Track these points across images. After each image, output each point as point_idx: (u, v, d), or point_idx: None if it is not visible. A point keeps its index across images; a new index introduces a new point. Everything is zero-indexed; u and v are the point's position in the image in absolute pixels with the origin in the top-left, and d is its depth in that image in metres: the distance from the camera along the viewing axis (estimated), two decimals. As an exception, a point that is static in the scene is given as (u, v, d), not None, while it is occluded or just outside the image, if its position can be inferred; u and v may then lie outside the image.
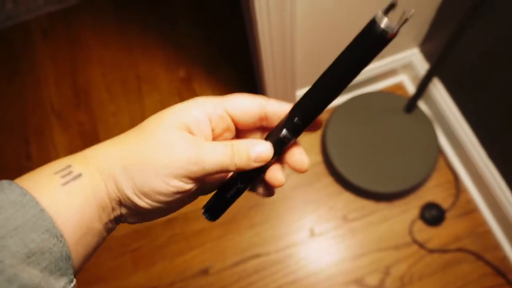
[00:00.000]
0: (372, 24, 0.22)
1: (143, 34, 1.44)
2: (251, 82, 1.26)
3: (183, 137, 0.26)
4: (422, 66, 1.13)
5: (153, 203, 0.26)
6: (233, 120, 0.29)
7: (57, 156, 1.26)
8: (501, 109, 0.90)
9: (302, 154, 0.29)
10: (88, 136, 1.28)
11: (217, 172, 0.26)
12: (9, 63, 1.44)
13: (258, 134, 0.31)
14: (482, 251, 1.02)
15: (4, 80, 1.41)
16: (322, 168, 1.15)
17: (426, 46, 1.11)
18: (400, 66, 1.18)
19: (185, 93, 1.32)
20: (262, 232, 1.10)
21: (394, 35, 0.22)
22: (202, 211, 0.31)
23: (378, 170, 1.08)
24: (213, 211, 0.31)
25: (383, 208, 1.09)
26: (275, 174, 0.29)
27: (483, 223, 1.05)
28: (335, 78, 0.25)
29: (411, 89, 1.22)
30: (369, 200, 1.10)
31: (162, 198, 0.26)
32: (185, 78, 1.34)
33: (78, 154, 0.27)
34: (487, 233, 1.04)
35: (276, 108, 0.28)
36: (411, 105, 1.09)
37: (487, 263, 1.01)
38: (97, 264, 1.09)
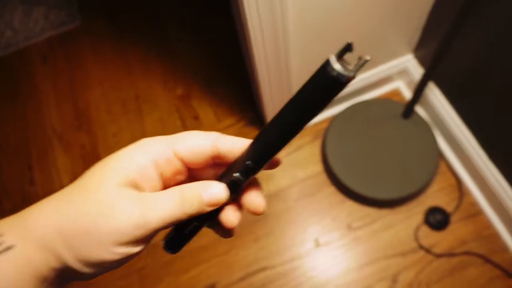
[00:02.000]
0: (325, 69, 0.20)
1: (141, 54, 1.46)
2: (249, 96, 1.27)
3: (126, 195, 0.23)
4: (417, 72, 1.14)
5: (99, 270, 0.24)
6: (183, 162, 0.26)
7: (59, 180, 1.27)
8: (499, 110, 0.91)
9: (258, 196, 0.27)
10: (90, 158, 1.29)
11: (168, 226, 0.25)
12: (10, 88, 1.47)
13: (212, 172, 0.29)
14: (490, 253, 1.01)
15: (6, 106, 1.43)
16: (323, 178, 1.15)
17: (420, 52, 1.12)
18: (396, 73, 1.19)
19: (184, 110, 1.33)
20: (267, 246, 1.10)
21: (348, 81, 0.20)
22: (162, 244, 0.30)
23: (379, 177, 1.08)
24: (173, 245, 0.30)
25: (387, 215, 1.09)
26: (228, 216, 0.27)
27: (488, 225, 1.05)
28: (286, 123, 0.23)
29: (407, 94, 1.23)
30: (372, 207, 1.10)
31: (109, 265, 0.24)
32: (184, 95, 1.36)
33: (15, 217, 0.24)
34: (494, 235, 1.03)
35: (230, 146, 0.26)
36: (408, 110, 1.10)
37: (496, 265, 1.00)
38: (104, 285, 1.08)
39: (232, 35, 1.07)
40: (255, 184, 0.27)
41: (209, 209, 0.26)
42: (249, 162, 0.25)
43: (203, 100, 1.34)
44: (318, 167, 1.17)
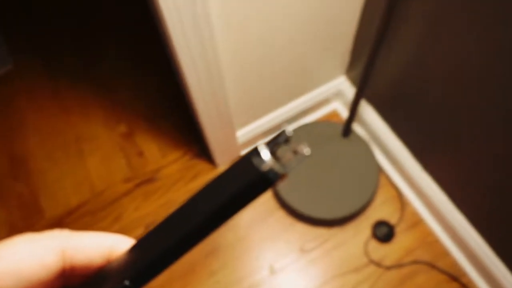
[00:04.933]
0: (251, 161, 0.15)
1: (78, 94, 1.43)
2: (193, 128, 1.27)
3: None
4: (351, 92, 1.20)
5: None
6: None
7: (-3, 234, 1.19)
8: (426, 121, 0.97)
9: None
10: (29, 207, 1.22)
11: None
12: None
13: None
14: (434, 260, 1.06)
15: None
16: (273, 202, 1.17)
17: (352, 73, 1.19)
18: (332, 95, 1.25)
19: (128, 148, 1.30)
20: (223, 278, 1.08)
21: (280, 180, 0.16)
22: None
23: (326, 197, 1.11)
24: None
25: (337, 233, 1.12)
26: None
27: (430, 232, 1.10)
28: (189, 229, 0.17)
29: (345, 114, 1.29)
30: (323, 227, 1.12)
31: None
32: (126, 132, 1.33)
33: None
34: (436, 242, 1.09)
35: (87, 254, 0.18)
36: (346, 130, 1.15)
37: (441, 270, 1.05)
38: None
39: (170, 65, 1.07)
40: None
41: None
42: (128, 282, 0.18)
43: (147, 135, 1.33)
44: (267, 192, 1.18)
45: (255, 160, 0.15)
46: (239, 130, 1.13)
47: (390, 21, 0.78)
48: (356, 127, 1.22)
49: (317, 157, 1.16)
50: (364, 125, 1.20)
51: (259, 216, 1.15)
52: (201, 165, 1.25)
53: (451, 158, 0.94)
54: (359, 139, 1.18)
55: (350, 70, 1.19)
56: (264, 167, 0.15)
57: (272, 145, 0.16)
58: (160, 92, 1.41)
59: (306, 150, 0.16)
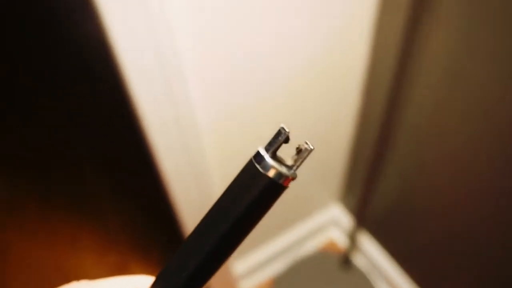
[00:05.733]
0: (253, 167, 0.15)
1: (69, 231, 1.40)
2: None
3: None
4: (347, 220, 1.19)
5: None
6: None
7: None
8: (427, 249, 0.94)
9: None
10: None
11: None
12: None
13: None
14: None
15: None
16: None
17: (347, 200, 1.20)
18: (326, 223, 1.23)
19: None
20: None
21: (286, 182, 0.15)
22: None
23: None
24: None
25: None
26: None
27: None
28: (205, 250, 0.16)
29: (342, 242, 1.26)
30: None
31: None
32: (118, 261, 1.28)
33: None
34: None
35: None
36: (345, 261, 1.11)
37: None
38: None
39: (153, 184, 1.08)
40: None
41: None
42: None
43: (141, 266, 1.27)
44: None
45: (260, 166, 0.15)
46: (232, 264, 1.09)
47: (386, 144, 0.82)
48: (355, 257, 1.18)
49: (317, 291, 1.09)
50: (364, 255, 1.16)
51: None
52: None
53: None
54: (358, 271, 1.13)
55: (345, 197, 1.20)
56: (271, 173, 0.15)
57: (273, 147, 0.15)
58: (150, 215, 1.40)
59: (308, 144, 0.15)
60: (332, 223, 1.25)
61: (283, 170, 0.15)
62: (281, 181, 0.15)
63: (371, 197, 1.00)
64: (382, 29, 0.78)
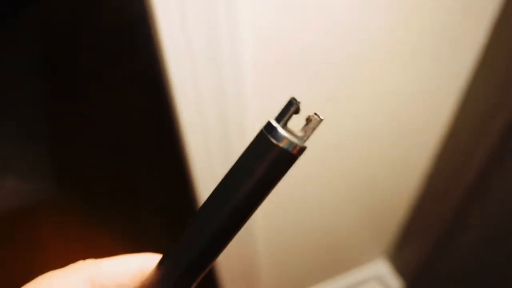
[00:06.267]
0: (265, 138, 0.15)
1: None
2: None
3: None
4: (394, 280, 1.00)
5: None
6: None
7: None
8: None
9: None
10: None
11: None
12: None
13: None
14: None
15: None
16: None
17: (398, 259, 1.01)
18: (370, 279, 1.05)
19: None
20: None
21: (298, 152, 0.15)
22: None
23: None
24: None
25: None
26: None
27: None
28: (215, 224, 0.16)
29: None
30: None
31: None
32: None
33: None
34: None
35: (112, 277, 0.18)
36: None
37: None
38: None
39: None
40: None
41: None
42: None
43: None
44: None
45: (272, 137, 0.15)
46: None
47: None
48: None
49: None
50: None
51: None
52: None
53: None
54: None
55: (395, 255, 1.01)
56: (284, 143, 0.15)
57: (284, 117, 0.15)
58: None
59: (318, 115, 0.15)
60: (377, 280, 1.06)
61: (295, 140, 0.15)
62: (294, 151, 0.15)
63: (431, 265, 0.80)
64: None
